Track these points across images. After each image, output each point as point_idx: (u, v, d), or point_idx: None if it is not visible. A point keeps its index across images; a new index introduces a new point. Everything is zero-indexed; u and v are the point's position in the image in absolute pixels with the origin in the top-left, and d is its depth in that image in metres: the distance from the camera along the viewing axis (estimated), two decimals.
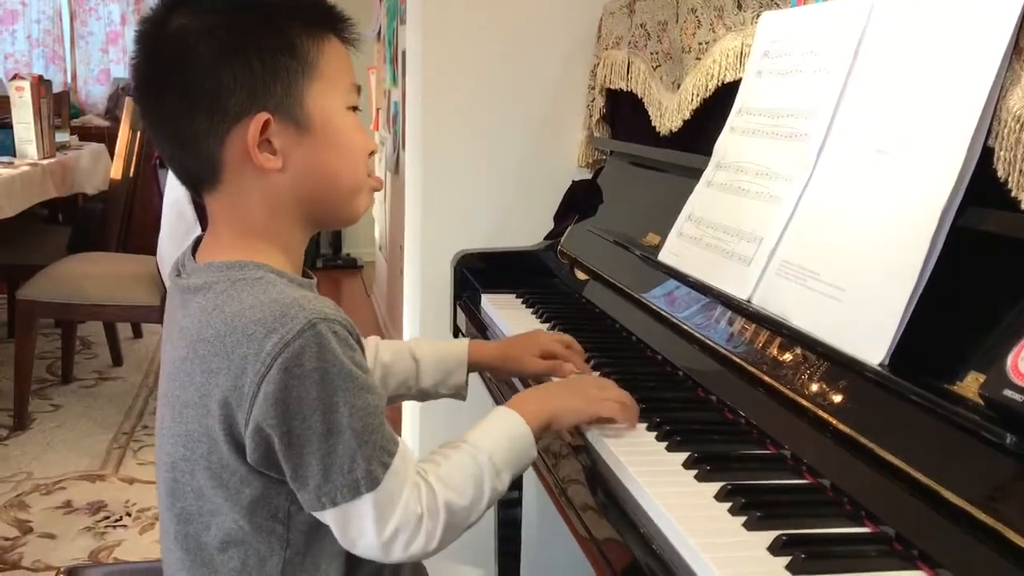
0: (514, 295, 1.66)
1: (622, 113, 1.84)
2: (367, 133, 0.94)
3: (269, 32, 0.85)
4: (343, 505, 0.81)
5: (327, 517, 0.83)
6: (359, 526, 0.83)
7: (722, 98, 1.34)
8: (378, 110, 4.35)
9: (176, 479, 0.87)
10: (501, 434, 0.92)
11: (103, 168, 3.92)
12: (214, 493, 0.85)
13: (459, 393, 1.22)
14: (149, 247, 2.98)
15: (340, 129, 0.89)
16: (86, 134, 4.72)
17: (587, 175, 1.93)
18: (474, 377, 1.31)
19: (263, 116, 0.84)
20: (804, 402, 0.93)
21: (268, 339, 0.79)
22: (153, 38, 0.87)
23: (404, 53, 2.51)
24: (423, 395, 1.21)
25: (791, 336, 1.00)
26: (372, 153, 0.93)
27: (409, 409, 2.17)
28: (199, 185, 0.90)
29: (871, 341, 0.88)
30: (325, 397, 0.79)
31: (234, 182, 0.87)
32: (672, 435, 0.98)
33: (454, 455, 0.90)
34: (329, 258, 5.64)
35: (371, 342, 1.17)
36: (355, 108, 0.92)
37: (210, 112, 0.84)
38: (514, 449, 0.92)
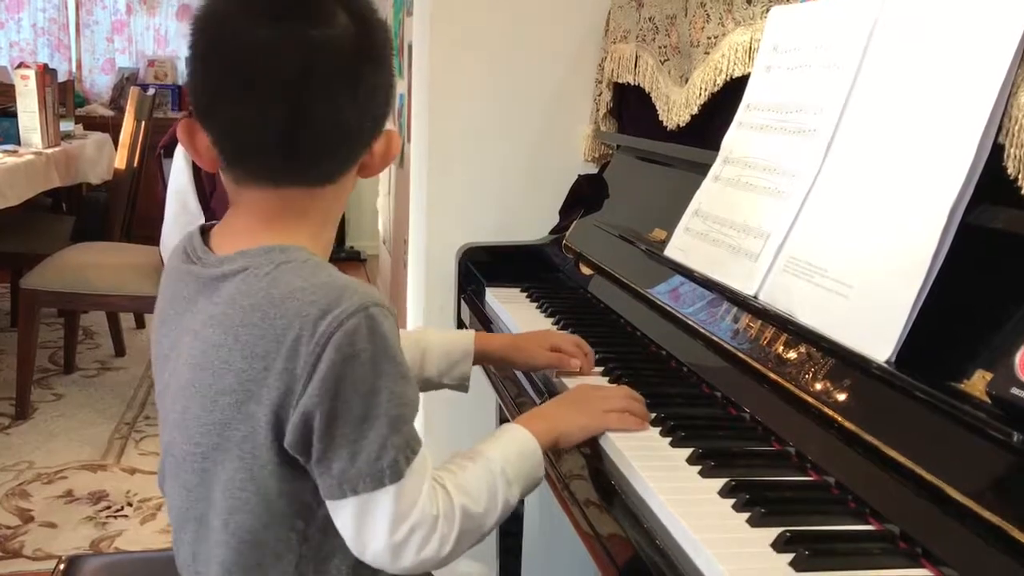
0: (519, 289, 1.65)
1: (629, 107, 1.83)
2: None
3: (387, 69, 0.88)
4: (364, 495, 0.80)
5: (344, 511, 0.82)
6: (374, 524, 0.81)
7: (730, 93, 1.33)
8: None
9: (206, 469, 0.85)
10: (513, 449, 0.93)
11: (107, 158, 3.92)
12: (241, 486, 0.83)
13: (462, 384, 1.21)
14: (153, 237, 2.98)
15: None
16: (91, 123, 4.72)
17: (593, 169, 1.92)
18: (478, 376, 1.31)
19: (391, 130, 0.89)
20: (809, 399, 0.93)
21: (323, 320, 0.78)
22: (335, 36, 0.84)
23: (410, 45, 2.51)
24: (426, 384, 1.21)
25: (797, 332, 1.00)
26: None
27: None
28: (283, 179, 0.87)
29: (878, 338, 0.88)
30: (372, 379, 0.79)
31: (334, 189, 0.89)
32: (676, 431, 0.98)
33: (468, 464, 0.90)
34: (332, 251, 5.64)
35: None
36: None
37: (353, 144, 0.87)
38: (525, 465, 0.93)
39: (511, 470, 0.90)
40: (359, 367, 0.79)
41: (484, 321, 1.59)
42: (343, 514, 0.82)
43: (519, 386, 1.27)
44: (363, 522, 0.82)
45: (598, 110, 1.91)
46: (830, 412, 0.89)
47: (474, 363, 1.21)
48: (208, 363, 0.84)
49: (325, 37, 0.81)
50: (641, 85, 1.68)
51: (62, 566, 1.17)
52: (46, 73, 3.50)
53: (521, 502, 1.71)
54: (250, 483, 0.83)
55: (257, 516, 0.84)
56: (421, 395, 1.25)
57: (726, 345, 1.10)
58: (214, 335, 0.83)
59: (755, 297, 1.09)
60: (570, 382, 1.16)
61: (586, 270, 1.64)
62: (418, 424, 2.14)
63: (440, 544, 0.83)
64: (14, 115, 3.47)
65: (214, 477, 0.85)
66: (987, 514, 0.69)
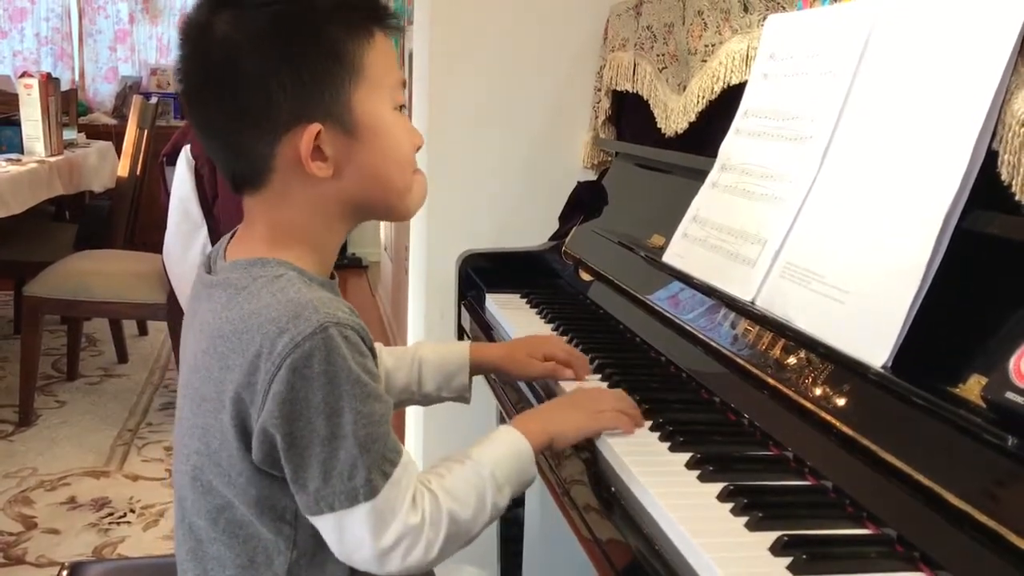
0: (519, 295, 1.66)
1: (628, 115, 1.84)
2: (414, 129, 0.93)
3: (314, 40, 0.84)
4: (340, 512, 0.81)
5: (324, 524, 0.83)
6: (356, 536, 0.82)
7: (727, 100, 1.34)
8: None
9: (192, 471, 0.87)
10: (504, 451, 0.93)
11: (110, 166, 3.93)
12: (224, 489, 0.85)
13: (462, 396, 1.20)
14: (155, 245, 2.98)
15: (388, 131, 0.88)
16: (93, 132, 4.73)
17: (592, 176, 1.93)
18: (479, 381, 1.31)
19: (315, 127, 0.84)
20: (807, 404, 0.93)
21: (280, 338, 0.79)
22: (197, 44, 0.86)
23: (411, 54, 2.52)
24: (426, 399, 1.20)
25: (794, 338, 1.00)
26: (418, 147, 0.93)
27: (413, 416, 2.17)
28: (243, 186, 0.89)
29: (874, 343, 0.88)
30: (331, 401, 0.80)
31: (281, 186, 0.87)
32: (675, 436, 0.98)
33: (457, 468, 0.90)
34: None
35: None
36: (401, 107, 0.91)
37: (260, 123, 0.84)
38: (516, 467, 0.93)
39: (501, 473, 0.90)
40: (318, 389, 0.79)
41: (484, 327, 1.59)
42: (324, 528, 0.84)
43: (519, 392, 1.28)
44: (345, 535, 0.83)
45: (597, 117, 1.92)
46: (827, 417, 0.90)
47: (471, 374, 1.20)
48: (198, 367, 0.86)
49: (200, 31, 0.86)
50: (639, 93, 1.68)
51: (65, 572, 1.17)
52: (49, 82, 3.51)
53: (522, 505, 1.73)
54: (230, 487, 0.85)
55: (243, 517, 0.86)
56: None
57: (724, 351, 1.10)
58: (202, 341, 0.86)
59: (752, 303, 1.10)
60: (569, 387, 1.16)
61: (585, 276, 1.65)
62: (418, 428, 2.15)
63: (426, 549, 0.84)
64: (17, 124, 3.49)
65: (200, 479, 0.87)
66: (983, 518, 0.69)
